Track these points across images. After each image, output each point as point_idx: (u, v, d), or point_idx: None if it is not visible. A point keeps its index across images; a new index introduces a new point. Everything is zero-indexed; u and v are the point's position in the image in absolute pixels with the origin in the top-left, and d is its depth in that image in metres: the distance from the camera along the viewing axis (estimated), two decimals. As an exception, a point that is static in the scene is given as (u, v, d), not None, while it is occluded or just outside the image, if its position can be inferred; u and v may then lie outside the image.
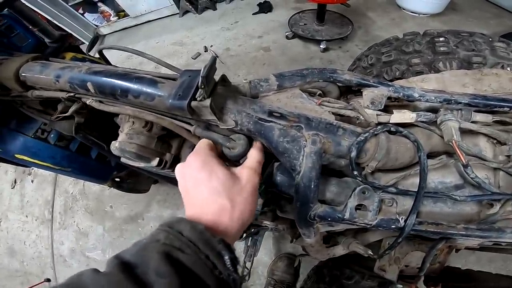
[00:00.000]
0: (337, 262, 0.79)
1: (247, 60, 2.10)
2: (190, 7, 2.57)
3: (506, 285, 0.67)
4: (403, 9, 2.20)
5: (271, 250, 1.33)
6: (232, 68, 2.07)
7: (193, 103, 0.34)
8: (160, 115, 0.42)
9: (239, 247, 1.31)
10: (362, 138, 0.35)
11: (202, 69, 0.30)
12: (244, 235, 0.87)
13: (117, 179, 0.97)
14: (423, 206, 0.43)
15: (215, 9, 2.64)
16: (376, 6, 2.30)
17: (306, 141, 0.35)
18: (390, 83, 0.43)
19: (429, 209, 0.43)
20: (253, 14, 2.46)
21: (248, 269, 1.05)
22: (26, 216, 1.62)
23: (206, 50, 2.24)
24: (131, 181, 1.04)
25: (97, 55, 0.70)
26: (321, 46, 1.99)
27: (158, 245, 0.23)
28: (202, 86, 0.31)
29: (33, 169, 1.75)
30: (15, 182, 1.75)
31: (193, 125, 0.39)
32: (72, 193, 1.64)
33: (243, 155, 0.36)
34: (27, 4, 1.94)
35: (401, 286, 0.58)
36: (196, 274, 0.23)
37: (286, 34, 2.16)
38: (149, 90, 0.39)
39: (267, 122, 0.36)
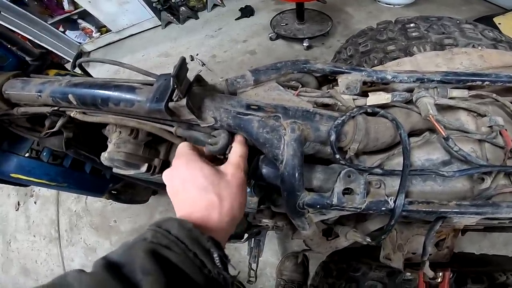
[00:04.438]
0: (344, 255, 0.79)
1: (234, 65, 2.13)
2: (172, 18, 2.59)
3: None
4: (378, 1, 2.28)
5: (277, 250, 1.32)
6: (220, 74, 2.09)
7: (171, 104, 0.34)
8: (142, 120, 0.43)
9: (244, 249, 1.31)
10: (340, 121, 0.36)
11: (172, 70, 0.31)
12: (246, 236, 0.87)
13: (114, 192, 0.96)
14: (413, 185, 0.42)
15: (197, 18, 2.67)
16: (352, 1, 2.38)
17: (285, 130, 0.36)
18: (362, 68, 0.44)
19: (420, 188, 0.42)
20: (235, 19, 2.50)
21: (254, 270, 1.04)
22: (34, 236, 1.64)
23: (192, 59, 2.25)
24: (128, 192, 1.03)
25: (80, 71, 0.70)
26: (304, 44, 2.03)
27: (144, 244, 0.23)
28: (175, 86, 0.31)
29: (34, 190, 1.78)
30: (19, 204, 1.78)
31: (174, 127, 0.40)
32: (75, 210, 1.67)
33: (226, 148, 0.36)
34: (3, 23, 1.93)
35: (409, 274, 0.56)
36: (184, 272, 0.23)
37: (270, 35, 2.20)
38: (128, 96, 0.40)
39: (246, 115, 0.37)
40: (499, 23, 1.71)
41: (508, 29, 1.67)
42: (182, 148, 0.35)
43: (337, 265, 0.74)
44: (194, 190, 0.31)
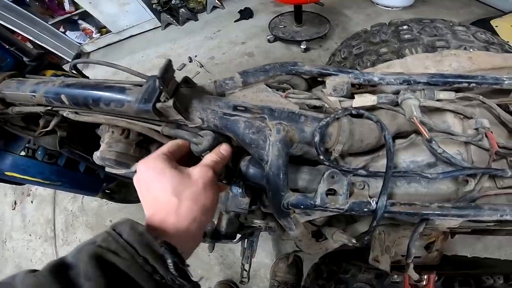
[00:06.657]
0: (335, 257, 0.79)
1: (232, 67, 2.14)
2: (172, 19, 2.61)
3: None
4: (377, 4, 2.30)
5: (271, 252, 1.33)
6: (218, 76, 2.10)
7: (158, 105, 0.35)
8: (132, 121, 0.43)
9: (238, 250, 1.31)
10: (324, 123, 0.37)
11: (158, 72, 0.31)
12: (239, 236, 0.87)
13: (108, 191, 0.97)
14: (397, 187, 0.43)
15: (196, 19, 2.69)
16: (351, 3, 2.39)
17: (270, 131, 0.36)
18: (350, 70, 0.45)
19: (404, 190, 0.43)
20: (234, 21, 2.52)
21: (247, 271, 1.04)
22: (30, 235, 1.64)
23: (191, 61, 2.27)
24: (122, 191, 1.04)
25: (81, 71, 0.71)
26: (302, 47, 2.04)
27: (92, 247, 0.23)
28: (161, 87, 0.32)
29: (31, 190, 1.79)
30: (15, 203, 1.78)
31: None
32: (71, 210, 1.67)
33: (209, 149, 0.37)
34: (2, 23, 1.95)
35: (397, 276, 0.57)
36: (132, 278, 0.22)
37: (268, 38, 2.21)
38: (118, 96, 0.41)
39: (232, 116, 0.37)
40: (496, 26, 1.72)
41: (505, 31, 1.68)
42: (160, 149, 0.34)
43: (328, 267, 0.75)
44: (156, 191, 0.30)
